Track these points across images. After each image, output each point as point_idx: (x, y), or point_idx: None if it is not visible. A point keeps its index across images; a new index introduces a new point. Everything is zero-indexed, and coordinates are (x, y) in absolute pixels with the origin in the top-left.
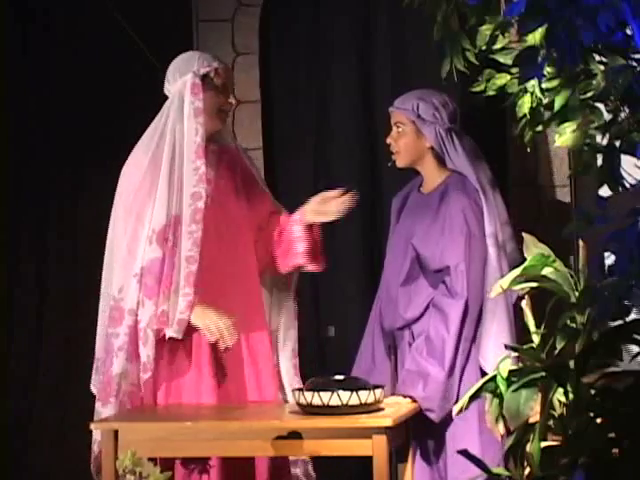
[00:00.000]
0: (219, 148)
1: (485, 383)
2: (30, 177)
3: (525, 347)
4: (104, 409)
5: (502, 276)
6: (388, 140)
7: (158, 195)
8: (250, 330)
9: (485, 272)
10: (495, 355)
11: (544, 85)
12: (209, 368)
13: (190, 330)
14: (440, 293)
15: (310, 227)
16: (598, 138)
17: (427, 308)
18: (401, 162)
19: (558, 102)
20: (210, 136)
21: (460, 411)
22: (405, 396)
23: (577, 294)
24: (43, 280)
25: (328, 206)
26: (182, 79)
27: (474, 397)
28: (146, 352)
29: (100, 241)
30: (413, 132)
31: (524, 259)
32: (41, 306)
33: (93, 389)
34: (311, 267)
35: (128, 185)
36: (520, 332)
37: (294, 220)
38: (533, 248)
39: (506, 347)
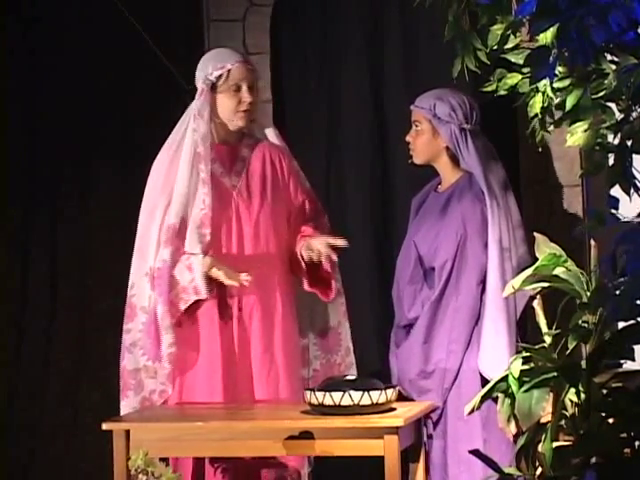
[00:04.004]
0: (253, 142)
1: (497, 383)
2: (41, 177)
3: (537, 347)
4: (122, 402)
5: (505, 281)
6: (407, 138)
7: (174, 198)
8: (265, 325)
9: (486, 277)
10: (492, 360)
11: (555, 85)
12: (220, 365)
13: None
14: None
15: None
16: (610, 138)
17: None
18: (417, 160)
19: (569, 102)
20: (243, 132)
21: (472, 411)
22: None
23: (589, 294)
24: (54, 280)
25: (320, 247)
26: (199, 83)
27: (485, 397)
28: (163, 350)
29: (112, 240)
30: (430, 131)
31: (535, 259)
32: (52, 305)
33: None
34: (318, 294)
35: (149, 185)
36: (531, 332)
37: (298, 247)
38: (545, 248)
39: (517, 347)
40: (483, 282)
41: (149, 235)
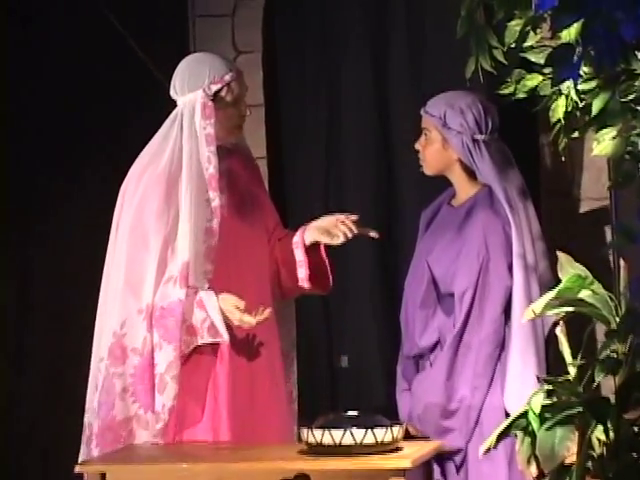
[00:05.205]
0: (235, 148)
1: (515, 420)
2: (16, 186)
3: (560, 379)
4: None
5: (531, 303)
6: (416, 146)
7: (181, 229)
8: (269, 355)
9: (511, 301)
10: (519, 396)
11: (580, 87)
12: (226, 405)
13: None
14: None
15: (313, 248)
16: None
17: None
18: (427, 171)
19: (596, 106)
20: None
21: (488, 450)
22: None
23: (618, 320)
24: (25, 302)
25: (336, 228)
26: (192, 94)
27: (502, 436)
28: (162, 401)
29: (89, 262)
30: (440, 140)
31: (558, 280)
32: (22, 330)
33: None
34: (317, 292)
35: (132, 201)
36: (554, 363)
37: (295, 243)
38: (569, 268)
39: (539, 379)
40: (507, 307)
41: (144, 267)
